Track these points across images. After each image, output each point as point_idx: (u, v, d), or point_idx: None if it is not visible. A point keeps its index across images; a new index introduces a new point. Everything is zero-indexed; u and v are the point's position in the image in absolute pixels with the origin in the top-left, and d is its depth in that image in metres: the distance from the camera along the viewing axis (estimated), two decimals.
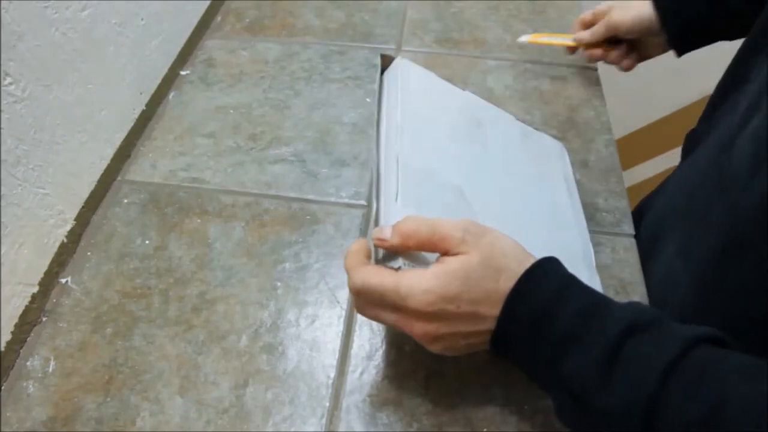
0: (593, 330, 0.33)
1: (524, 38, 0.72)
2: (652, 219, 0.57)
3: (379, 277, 0.36)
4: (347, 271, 0.38)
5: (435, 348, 0.37)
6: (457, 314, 0.35)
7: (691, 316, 0.45)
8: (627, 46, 0.66)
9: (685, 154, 0.59)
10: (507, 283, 0.35)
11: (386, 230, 0.37)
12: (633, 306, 0.34)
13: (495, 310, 0.35)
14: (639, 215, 0.60)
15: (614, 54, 0.67)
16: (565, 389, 0.34)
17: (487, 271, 0.35)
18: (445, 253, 0.36)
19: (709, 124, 0.54)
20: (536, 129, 0.58)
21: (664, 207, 0.56)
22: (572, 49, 0.70)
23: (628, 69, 0.68)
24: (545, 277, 0.35)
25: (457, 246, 0.35)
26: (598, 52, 0.67)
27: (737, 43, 0.53)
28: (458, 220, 0.36)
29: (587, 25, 0.67)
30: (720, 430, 0.29)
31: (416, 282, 0.35)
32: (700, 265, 0.46)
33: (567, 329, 0.33)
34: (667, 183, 0.60)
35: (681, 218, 0.51)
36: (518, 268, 0.35)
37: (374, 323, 0.50)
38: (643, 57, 0.67)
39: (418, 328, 0.36)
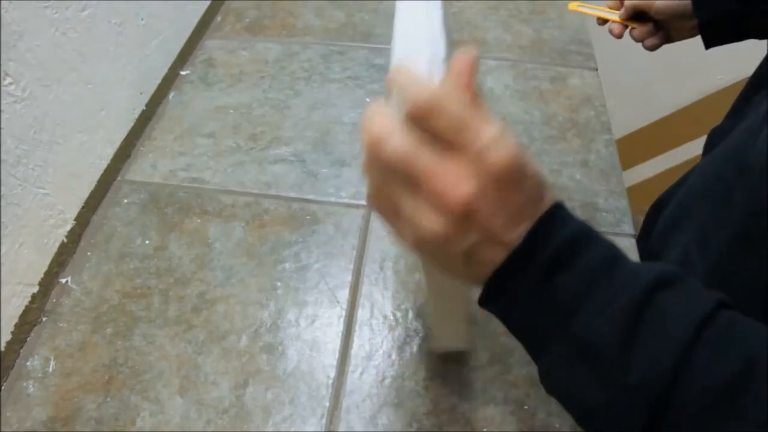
0: (622, 275, 0.29)
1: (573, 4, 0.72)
2: (673, 208, 0.57)
3: (462, 104, 0.27)
4: (408, 84, 0.27)
5: (435, 230, 0.28)
6: (515, 200, 0.28)
7: None
8: (654, 25, 0.66)
9: (708, 148, 0.59)
10: (549, 201, 0.29)
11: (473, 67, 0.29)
12: (657, 263, 0.30)
13: (527, 221, 0.29)
14: (659, 207, 0.60)
15: (638, 31, 0.66)
16: (573, 341, 0.29)
17: (540, 178, 0.29)
18: None
19: (734, 121, 0.54)
20: None
21: (685, 195, 0.56)
22: (602, 21, 0.69)
23: (652, 49, 0.66)
24: (573, 213, 0.30)
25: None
26: (620, 27, 0.66)
27: (746, 43, 0.53)
28: None
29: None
30: (746, 397, 0.26)
31: (506, 135, 0.27)
32: (716, 253, 0.46)
33: (597, 264, 0.29)
34: (688, 176, 0.60)
35: (701, 204, 0.51)
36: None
37: (374, 324, 0.50)
38: (669, 39, 0.66)
39: (465, 187, 0.26)
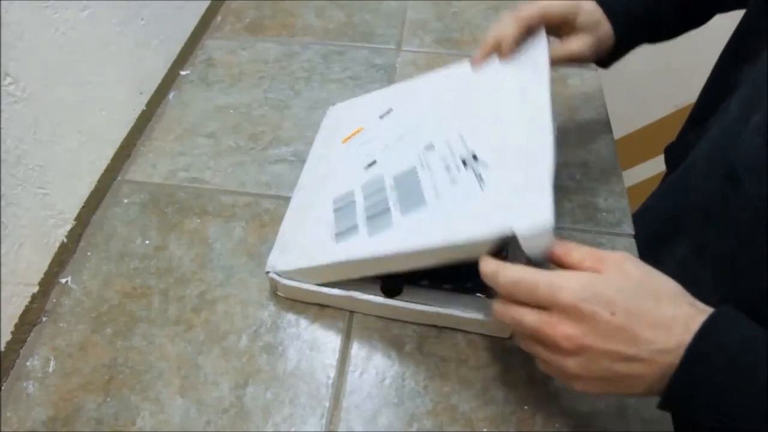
0: None
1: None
2: (659, 224, 0.56)
3: (533, 272, 0.35)
4: (493, 272, 0.37)
5: (573, 366, 0.34)
6: (608, 322, 0.32)
7: None
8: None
9: (673, 165, 0.59)
10: (672, 309, 0.32)
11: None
12: None
13: (657, 335, 0.32)
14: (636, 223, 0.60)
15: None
16: None
17: (646, 289, 0.33)
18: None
19: (696, 134, 0.54)
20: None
21: (671, 209, 0.56)
22: None
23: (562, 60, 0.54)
24: (736, 321, 0.33)
25: (615, 264, 0.34)
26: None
27: None
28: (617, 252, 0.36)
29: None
30: None
31: (573, 278, 0.34)
32: (717, 262, 0.46)
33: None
34: (661, 193, 0.60)
35: (694, 216, 0.50)
36: (686, 301, 0.33)
37: (374, 323, 0.50)
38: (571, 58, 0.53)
39: (561, 329, 0.33)
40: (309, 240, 0.50)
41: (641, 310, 0.32)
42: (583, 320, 0.33)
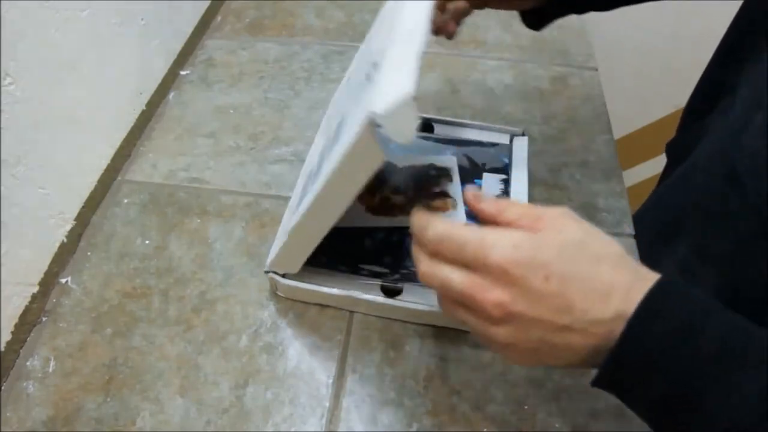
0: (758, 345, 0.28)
1: None
2: (660, 224, 0.56)
3: (464, 228, 0.31)
4: (422, 225, 0.33)
5: (503, 335, 0.31)
6: (539, 289, 0.29)
7: None
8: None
9: (674, 162, 0.59)
10: (611, 275, 0.30)
11: (481, 194, 0.34)
12: None
13: (593, 304, 0.29)
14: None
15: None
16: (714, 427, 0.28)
17: (585, 251, 0.30)
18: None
19: (696, 133, 0.54)
20: None
21: (665, 212, 0.56)
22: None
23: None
24: (685, 289, 0.30)
25: (553, 222, 0.31)
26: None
27: None
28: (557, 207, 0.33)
29: None
30: None
31: (506, 237, 0.30)
32: (718, 262, 0.46)
33: (723, 344, 0.28)
34: (661, 193, 0.60)
35: (694, 215, 0.50)
36: (628, 266, 0.30)
37: (374, 323, 0.50)
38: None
39: (490, 295, 0.30)
40: (284, 228, 0.51)
41: (577, 275, 0.29)
42: (512, 284, 0.29)
